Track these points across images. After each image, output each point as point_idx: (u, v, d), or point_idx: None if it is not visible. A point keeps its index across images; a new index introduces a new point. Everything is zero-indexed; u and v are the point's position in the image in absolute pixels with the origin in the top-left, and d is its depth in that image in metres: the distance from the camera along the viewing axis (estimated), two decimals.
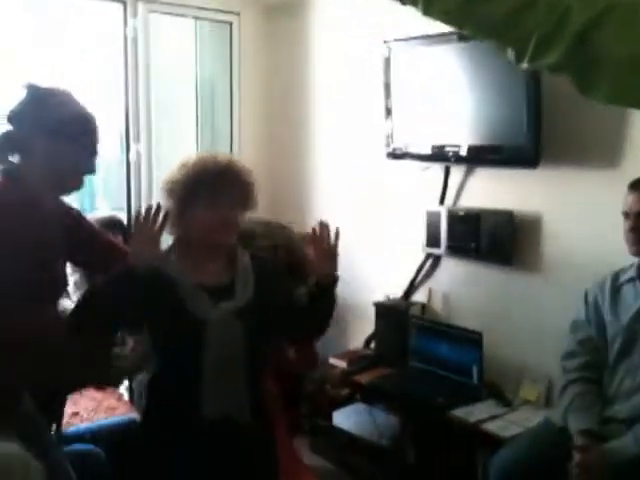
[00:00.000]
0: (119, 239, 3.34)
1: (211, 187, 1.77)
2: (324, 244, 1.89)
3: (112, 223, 3.40)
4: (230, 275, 1.82)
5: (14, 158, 1.71)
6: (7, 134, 1.68)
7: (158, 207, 1.71)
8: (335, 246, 1.90)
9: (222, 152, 2.54)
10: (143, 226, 1.68)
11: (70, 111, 1.71)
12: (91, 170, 1.77)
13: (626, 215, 2.06)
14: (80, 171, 1.75)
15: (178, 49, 3.62)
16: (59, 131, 1.66)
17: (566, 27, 0.81)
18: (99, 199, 4.24)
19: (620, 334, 2.06)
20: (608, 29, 0.79)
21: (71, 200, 4.35)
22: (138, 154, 3.48)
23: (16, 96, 1.71)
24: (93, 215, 3.52)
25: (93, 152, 1.76)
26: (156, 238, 1.69)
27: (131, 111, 3.45)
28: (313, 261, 1.89)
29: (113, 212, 3.62)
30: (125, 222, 3.52)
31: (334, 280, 1.89)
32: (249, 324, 1.75)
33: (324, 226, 1.92)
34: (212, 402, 1.71)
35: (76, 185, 1.78)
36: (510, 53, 0.91)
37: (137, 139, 3.46)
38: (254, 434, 1.78)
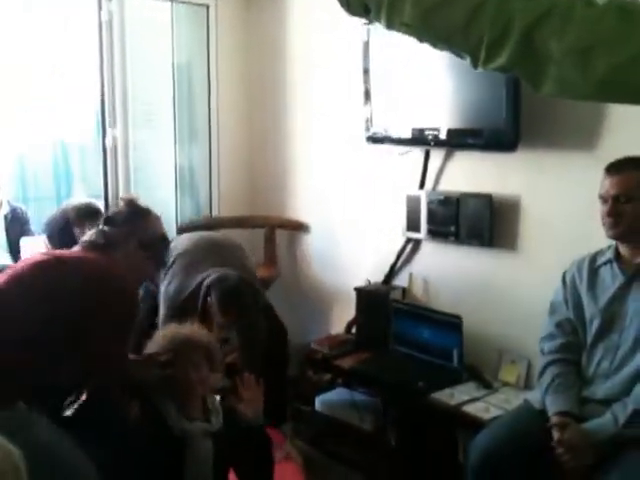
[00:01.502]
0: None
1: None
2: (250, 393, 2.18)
3: (90, 211, 3.35)
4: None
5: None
6: (103, 232, 1.99)
7: None
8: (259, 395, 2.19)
9: None
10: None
11: (159, 231, 2.08)
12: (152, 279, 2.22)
13: (603, 199, 2.06)
14: (146, 278, 2.12)
15: (154, 33, 3.55)
16: (149, 245, 2.00)
17: (512, 29, 0.87)
18: (76, 185, 4.18)
19: (597, 316, 2.08)
20: (548, 28, 0.85)
21: (46, 187, 4.23)
22: (114, 139, 3.43)
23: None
24: (69, 202, 3.48)
25: (162, 266, 2.17)
26: None
27: (107, 96, 3.39)
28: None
29: (90, 199, 3.58)
30: (102, 209, 3.48)
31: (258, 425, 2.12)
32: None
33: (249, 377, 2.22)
34: None
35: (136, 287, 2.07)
36: (466, 58, 0.98)
37: (113, 124, 3.41)
38: None
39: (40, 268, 1.85)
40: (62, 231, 3.28)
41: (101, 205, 3.47)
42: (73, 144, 4.12)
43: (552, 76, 0.88)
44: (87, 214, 3.32)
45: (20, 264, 1.93)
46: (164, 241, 2.10)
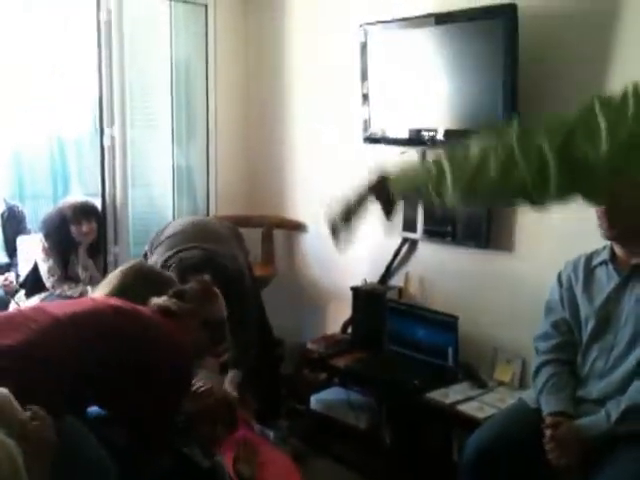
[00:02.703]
0: (93, 225, 3.32)
1: None
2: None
3: (86, 209, 3.35)
4: None
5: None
6: (175, 302, 2.03)
7: None
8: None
9: None
10: None
11: (222, 315, 2.16)
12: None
13: None
14: (202, 354, 2.14)
15: (152, 31, 3.56)
16: (212, 326, 2.08)
17: (546, 157, 0.98)
18: (72, 184, 4.17)
19: (593, 316, 2.09)
20: (580, 141, 0.98)
21: (43, 185, 4.24)
22: (112, 138, 3.43)
23: None
24: (66, 200, 3.47)
25: (219, 345, 2.23)
26: None
27: (105, 95, 3.39)
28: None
29: (86, 198, 3.57)
30: (99, 208, 3.48)
31: None
32: None
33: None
34: None
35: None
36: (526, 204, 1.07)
37: (111, 123, 3.42)
38: None
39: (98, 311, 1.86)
40: (59, 229, 3.28)
41: (98, 203, 3.48)
42: (70, 142, 4.12)
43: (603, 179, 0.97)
44: (84, 212, 3.32)
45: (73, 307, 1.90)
46: (223, 325, 2.17)
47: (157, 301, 2.06)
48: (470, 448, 2.11)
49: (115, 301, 1.92)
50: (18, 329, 1.65)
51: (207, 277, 2.24)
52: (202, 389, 2.15)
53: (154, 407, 1.80)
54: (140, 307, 1.99)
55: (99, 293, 2.13)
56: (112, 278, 2.19)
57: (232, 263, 2.76)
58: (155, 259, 2.77)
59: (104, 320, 1.81)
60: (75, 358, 1.67)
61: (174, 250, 2.72)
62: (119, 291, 2.09)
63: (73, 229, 3.28)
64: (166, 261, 2.67)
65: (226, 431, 2.19)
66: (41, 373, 1.58)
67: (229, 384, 2.74)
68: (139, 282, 2.16)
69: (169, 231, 2.94)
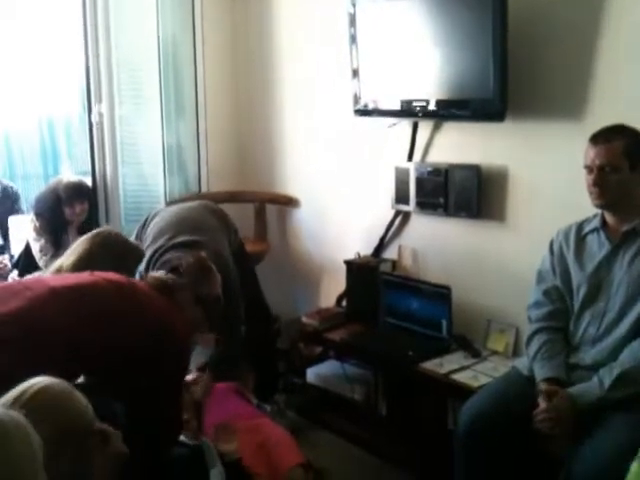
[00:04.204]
0: (85, 205, 3.31)
1: None
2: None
3: (80, 190, 3.33)
4: None
5: None
6: (171, 277, 2.04)
7: None
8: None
9: None
10: None
11: (215, 291, 2.15)
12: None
13: (588, 169, 2.06)
14: (197, 331, 2.12)
15: (139, 7, 3.51)
16: (203, 301, 2.07)
17: None
18: (63, 163, 4.15)
19: (584, 283, 2.10)
20: None
21: (34, 164, 4.21)
22: (100, 115, 3.40)
23: None
24: (59, 180, 3.45)
25: (214, 324, 2.20)
26: None
27: (92, 71, 3.36)
28: None
29: (79, 177, 3.55)
30: (90, 187, 3.46)
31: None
32: None
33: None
34: None
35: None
36: None
37: (99, 100, 3.38)
38: None
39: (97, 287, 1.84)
40: (52, 209, 3.27)
41: (89, 182, 3.46)
42: (59, 122, 4.09)
43: None
44: (77, 193, 3.30)
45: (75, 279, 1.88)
46: (218, 302, 2.15)
47: (154, 275, 2.06)
48: (464, 416, 2.13)
49: (113, 276, 1.89)
50: (14, 297, 1.64)
51: (203, 253, 2.23)
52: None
53: (155, 391, 1.77)
54: (136, 282, 1.98)
55: (66, 261, 2.09)
56: (78, 246, 2.15)
57: (216, 259, 2.60)
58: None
59: (102, 298, 1.78)
60: (67, 331, 1.65)
61: (156, 247, 2.68)
62: (85, 259, 2.06)
63: (66, 210, 3.28)
64: (149, 261, 2.63)
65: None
66: (32, 342, 1.57)
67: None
68: (105, 250, 2.13)
69: (153, 226, 2.87)
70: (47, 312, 1.66)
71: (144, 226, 2.92)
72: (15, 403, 1.10)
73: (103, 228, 2.54)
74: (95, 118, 3.41)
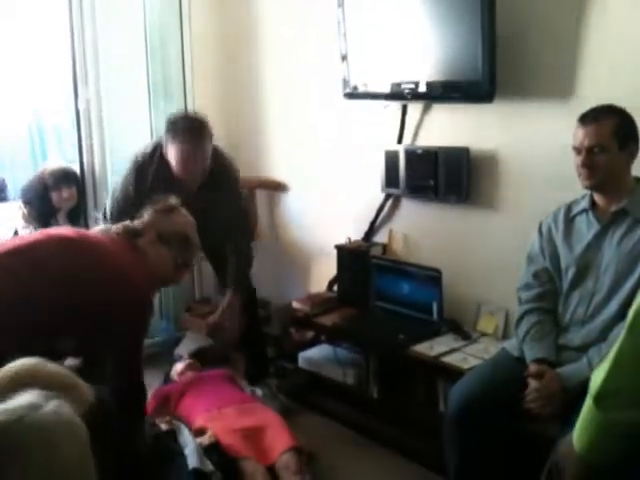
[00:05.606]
0: (73, 191, 3.29)
1: None
2: None
3: (67, 175, 3.32)
4: None
5: None
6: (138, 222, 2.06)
7: None
8: None
9: None
10: None
11: (181, 228, 2.10)
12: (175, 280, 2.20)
13: (577, 150, 2.06)
14: (168, 279, 2.12)
15: None
16: (166, 239, 2.04)
17: None
18: (50, 151, 4.12)
19: (573, 264, 2.10)
20: None
21: (21, 154, 4.16)
22: (87, 102, 3.36)
23: None
24: (46, 167, 3.43)
25: (185, 267, 2.15)
26: None
27: (78, 57, 3.32)
28: None
29: (66, 164, 3.53)
30: (78, 174, 3.44)
31: None
32: None
33: None
34: None
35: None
36: None
37: (85, 86, 3.35)
38: None
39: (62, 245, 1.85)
40: (39, 196, 3.26)
41: (77, 169, 3.44)
42: (47, 112, 4.05)
43: None
44: (64, 178, 3.29)
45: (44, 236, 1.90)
46: (185, 242, 2.10)
47: (121, 223, 2.07)
48: (454, 396, 2.14)
49: (63, 231, 1.90)
50: None
51: (172, 198, 2.21)
52: None
53: (116, 349, 1.78)
54: (89, 235, 1.98)
55: None
56: None
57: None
58: None
59: (46, 259, 1.79)
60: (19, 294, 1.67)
61: None
62: None
63: (54, 195, 3.27)
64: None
65: None
66: None
67: (227, 308, 2.91)
68: None
69: None
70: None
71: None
72: (27, 385, 1.02)
73: None
74: (82, 105, 3.37)
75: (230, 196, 2.93)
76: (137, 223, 2.05)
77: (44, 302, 1.70)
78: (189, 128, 2.68)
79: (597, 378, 1.32)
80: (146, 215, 2.11)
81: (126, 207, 2.69)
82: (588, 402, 1.35)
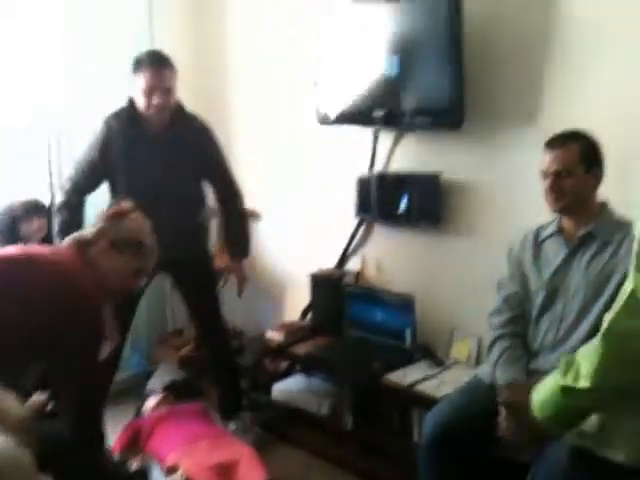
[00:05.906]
0: (43, 222, 3.24)
1: None
2: None
3: (37, 206, 3.28)
4: None
5: None
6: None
7: None
8: None
9: None
10: None
11: (134, 234, 2.01)
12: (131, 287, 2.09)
13: (544, 174, 2.07)
14: (124, 287, 2.03)
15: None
16: (119, 246, 1.97)
17: None
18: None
19: (542, 288, 2.10)
20: None
21: None
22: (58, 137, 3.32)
23: None
24: (14, 200, 3.38)
25: (141, 274, 2.07)
26: None
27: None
28: None
29: (34, 197, 3.48)
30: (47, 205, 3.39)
31: None
32: None
33: None
34: None
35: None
36: None
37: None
38: None
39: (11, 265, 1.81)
40: (9, 230, 3.21)
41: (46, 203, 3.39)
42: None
43: None
44: (34, 208, 3.26)
45: None
46: (139, 247, 2.01)
47: (70, 237, 2.02)
48: (427, 426, 2.11)
49: (10, 250, 1.87)
50: None
51: (128, 203, 2.13)
52: None
53: (69, 364, 1.74)
54: (33, 251, 1.94)
55: None
56: None
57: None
58: None
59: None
60: None
61: None
62: None
63: (23, 226, 3.22)
64: None
65: None
66: None
67: (240, 283, 2.99)
68: None
69: None
70: None
71: None
72: None
73: None
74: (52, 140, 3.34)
75: (202, 138, 2.85)
76: (88, 232, 2.01)
77: None
78: (152, 54, 2.75)
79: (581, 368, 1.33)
80: (97, 223, 2.06)
81: (91, 177, 2.77)
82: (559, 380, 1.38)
